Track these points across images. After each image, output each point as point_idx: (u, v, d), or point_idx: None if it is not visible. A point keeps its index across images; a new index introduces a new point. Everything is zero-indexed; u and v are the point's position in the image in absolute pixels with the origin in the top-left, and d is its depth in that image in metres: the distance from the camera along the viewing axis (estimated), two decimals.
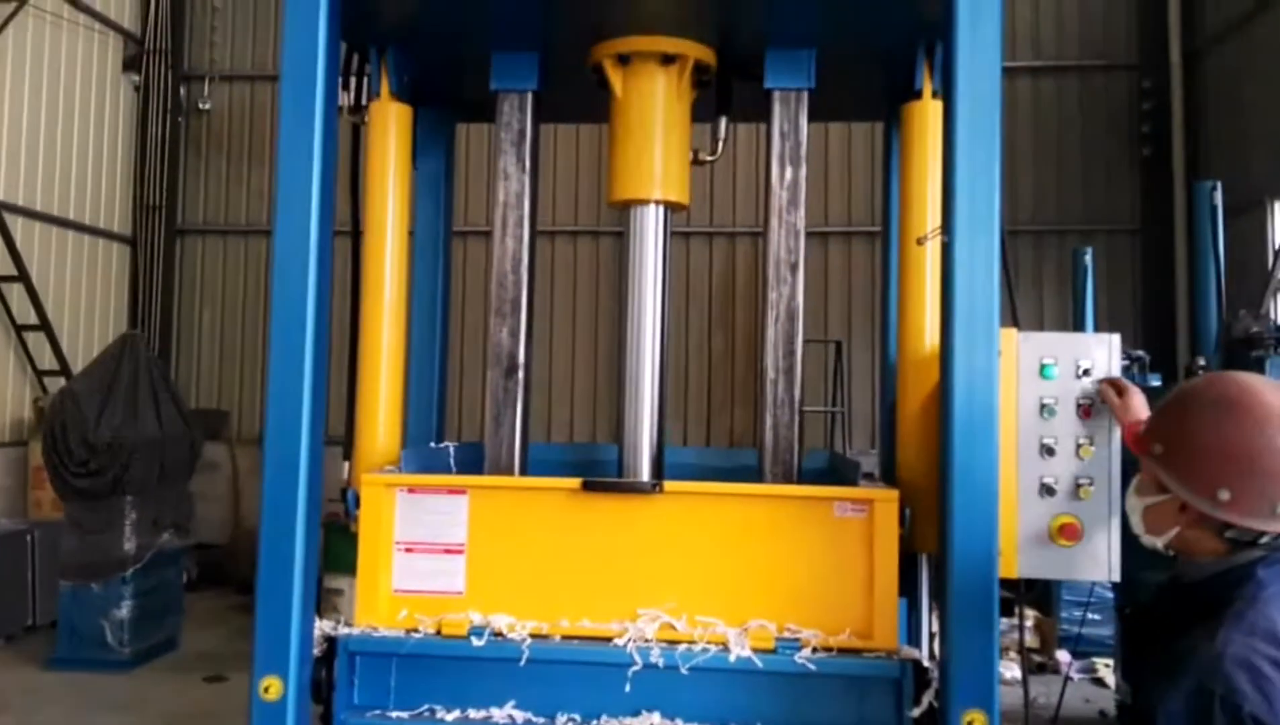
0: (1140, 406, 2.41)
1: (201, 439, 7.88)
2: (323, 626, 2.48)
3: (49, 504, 8.39)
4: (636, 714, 2.39)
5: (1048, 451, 2.54)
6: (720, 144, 2.92)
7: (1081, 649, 6.93)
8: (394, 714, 2.46)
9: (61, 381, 8.56)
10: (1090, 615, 6.90)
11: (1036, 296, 10.19)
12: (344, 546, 2.59)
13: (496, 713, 2.44)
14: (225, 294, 11.18)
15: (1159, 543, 1.80)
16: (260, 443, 2.43)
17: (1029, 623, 7.34)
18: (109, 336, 9.04)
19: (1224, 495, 1.66)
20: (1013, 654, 6.89)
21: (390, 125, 2.84)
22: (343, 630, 2.48)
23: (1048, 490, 2.52)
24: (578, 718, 2.41)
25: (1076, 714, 6.30)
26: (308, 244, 2.37)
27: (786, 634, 2.39)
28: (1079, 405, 2.53)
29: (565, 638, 2.45)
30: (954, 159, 2.27)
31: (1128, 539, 2.47)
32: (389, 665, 2.49)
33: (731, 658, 2.33)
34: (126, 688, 6.69)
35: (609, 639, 2.41)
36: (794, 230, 2.73)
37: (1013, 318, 2.60)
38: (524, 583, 2.51)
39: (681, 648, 2.36)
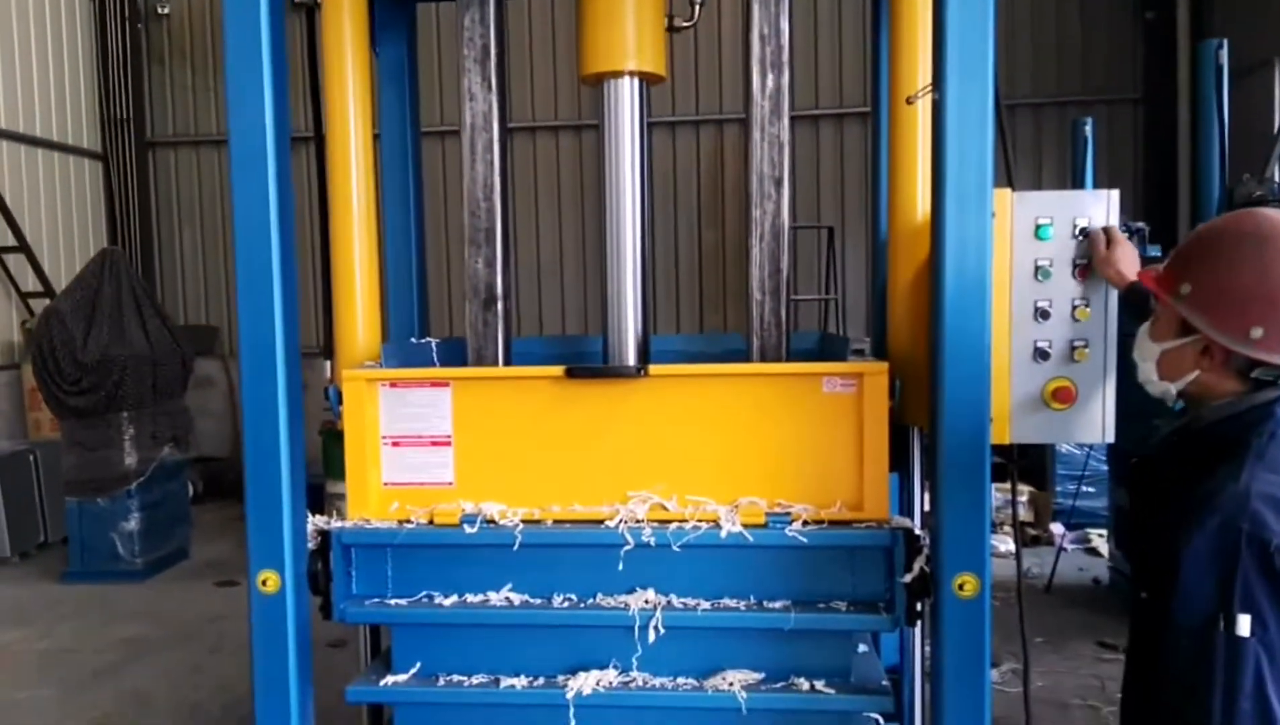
0: (1125, 260, 2.35)
1: (192, 354, 7.86)
2: (315, 521, 2.47)
3: (48, 425, 8.43)
4: (631, 592, 2.40)
5: (1042, 315, 2.49)
6: (697, 8, 2.77)
7: (1075, 521, 7.05)
8: (392, 602, 2.48)
9: (47, 303, 8.47)
10: (1085, 488, 6.99)
11: (1035, 172, 10.00)
12: (343, 453, 2.57)
13: (494, 596, 2.45)
14: (203, 207, 10.96)
15: (1173, 388, 1.76)
16: None
17: (1023, 498, 7.45)
18: (89, 256, 8.90)
19: (1256, 333, 1.61)
20: (1006, 528, 7.01)
21: (345, 6, 2.69)
22: (335, 524, 2.47)
23: (1042, 354, 2.48)
24: (573, 597, 2.43)
25: (1070, 582, 6.44)
26: (264, 139, 2.23)
27: (777, 509, 2.38)
28: (1075, 266, 2.47)
29: (557, 522, 2.44)
30: (945, 5, 2.14)
31: (1124, 396, 2.46)
32: (384, 556, 2.50)
33: (722, 534, 2.33)
34: (142, 596, 6.85)
35: (600, 522, 2.41)
36: (777, 143, 2.58)
37: (1008, 179, 2.51)
38: (513, 472, 2.49)
39: (673, 527, 2.36)
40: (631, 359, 2.64)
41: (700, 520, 2.37)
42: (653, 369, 2.45)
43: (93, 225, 10.67)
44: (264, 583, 2.38)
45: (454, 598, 2.47)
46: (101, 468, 7.03)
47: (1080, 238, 2.46)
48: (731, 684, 2.34)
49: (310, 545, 2.44)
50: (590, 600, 2.42)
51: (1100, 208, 2.47)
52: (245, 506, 2.38)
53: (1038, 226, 2.46)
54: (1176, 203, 9.52)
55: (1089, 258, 2.44)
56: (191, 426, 7.94)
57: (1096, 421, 2.54)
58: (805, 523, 2.34)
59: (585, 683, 2.37)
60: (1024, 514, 7.46)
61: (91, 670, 5.44)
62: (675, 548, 2.34)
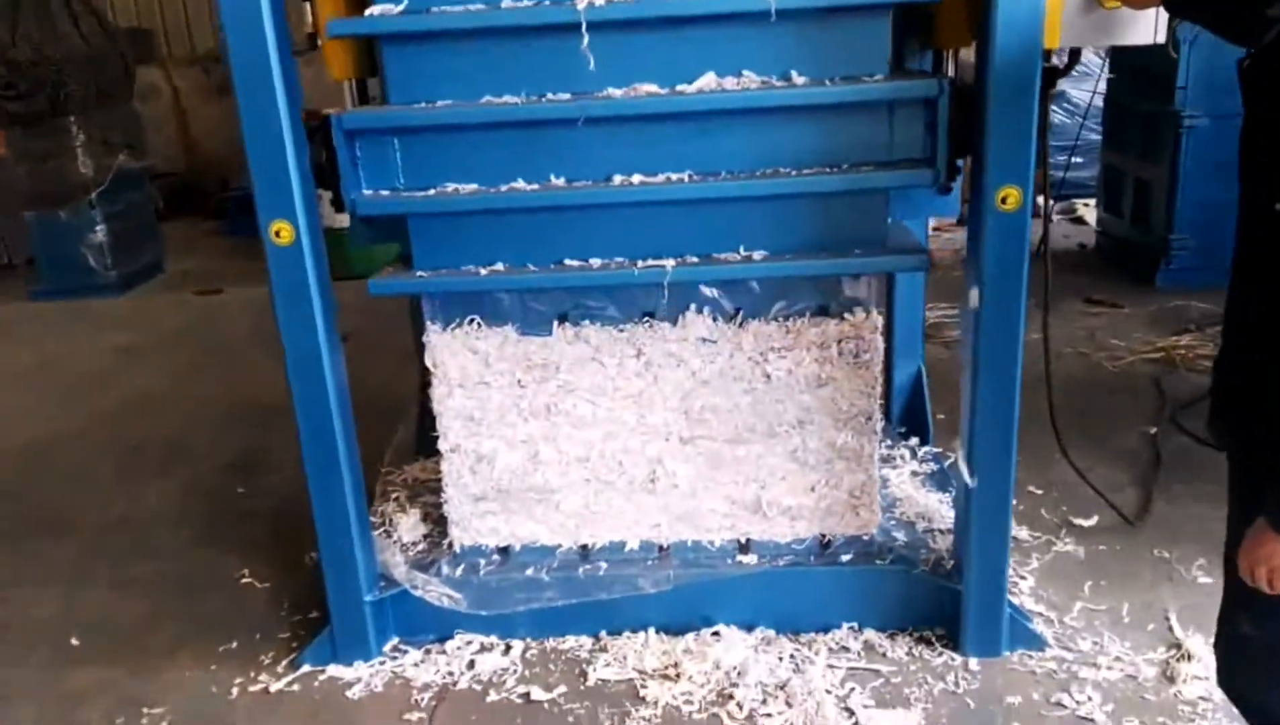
0: None
1: (133, 56, 7.27)
2: None
3: None
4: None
5: None
6: None
7: (1063, 192, 7.03)
8: (405, 195, 2.37)
9: None
10: (1074, 160, 6.90)
11: None
12: None
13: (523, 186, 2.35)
14: None
15: None
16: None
17: None
18: None
19: None
20: None
21: None
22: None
23: None
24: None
25: (1058, 249, 6.53)
26: None
27: None
28: None
29: None
30: None
31: None
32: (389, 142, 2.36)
33: None
34: (123, 307, 6.75)
35: None
36: None
37: None
38: None
39: None
40: None
41: None
42: None
43: None
44: (277, 234, 2.29)
45: (473, 186, 2.36)
46: (56, 179, 6.66)
47: None
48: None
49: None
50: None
51: None
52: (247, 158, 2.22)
53: None
54: None
55: None
56: (143, 134, 7.50)
57: (1149, 20, 2.39)
58: None
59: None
60: None
61: (88, 375, 5.38)
62: None
